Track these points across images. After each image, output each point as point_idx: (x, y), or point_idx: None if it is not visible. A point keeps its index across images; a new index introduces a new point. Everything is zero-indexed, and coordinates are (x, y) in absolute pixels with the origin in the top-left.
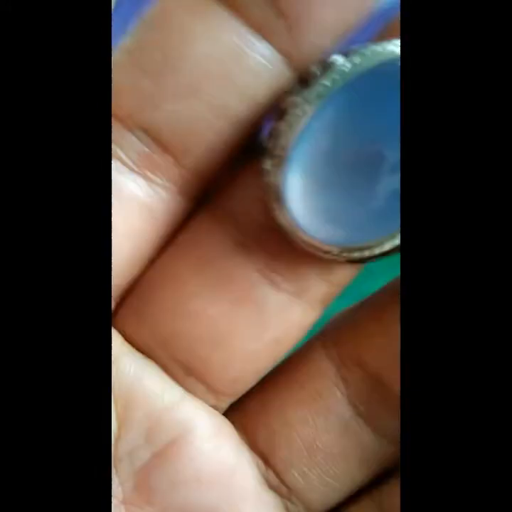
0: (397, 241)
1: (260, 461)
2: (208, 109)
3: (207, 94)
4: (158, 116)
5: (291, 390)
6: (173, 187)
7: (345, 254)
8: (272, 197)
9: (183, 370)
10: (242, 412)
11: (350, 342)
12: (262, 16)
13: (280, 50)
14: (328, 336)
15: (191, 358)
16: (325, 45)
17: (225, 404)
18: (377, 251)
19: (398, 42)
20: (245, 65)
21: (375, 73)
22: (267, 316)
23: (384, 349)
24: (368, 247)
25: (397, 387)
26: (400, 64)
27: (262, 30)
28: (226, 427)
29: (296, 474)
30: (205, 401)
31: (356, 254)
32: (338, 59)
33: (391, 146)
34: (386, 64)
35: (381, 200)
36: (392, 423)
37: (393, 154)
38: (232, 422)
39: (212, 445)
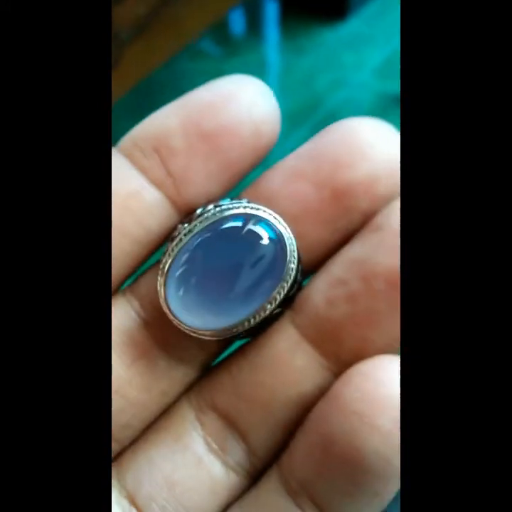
0: (242, 328)
1: (126, 502)
2: (112, 229)
3: (113, 219)
4: None
5: (156, 434)
6: None
7: (216, 336)
8: (161, 297)
9: None
10: (116, 459)
11: (207, 391)
12: (157, 173)
13: (168, 197)
14: (189, 388)
15: None
16: (203, 192)
17: (114, 451)
18: (228, 334)
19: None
20: (143, 203)
21: (222, 221)
22: (157, 373)
23: (232, 393)
24: (233, 328)
25: (242, 425)
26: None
27: (156, 184)
28: None
29: (156, 509)
30: None
31: (224, 334)
32: (210, 207)
33: (237, 266)
34: (230, 217)
35: (238, 294)
36: (239, 457)
37: (247, 263)
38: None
39: None
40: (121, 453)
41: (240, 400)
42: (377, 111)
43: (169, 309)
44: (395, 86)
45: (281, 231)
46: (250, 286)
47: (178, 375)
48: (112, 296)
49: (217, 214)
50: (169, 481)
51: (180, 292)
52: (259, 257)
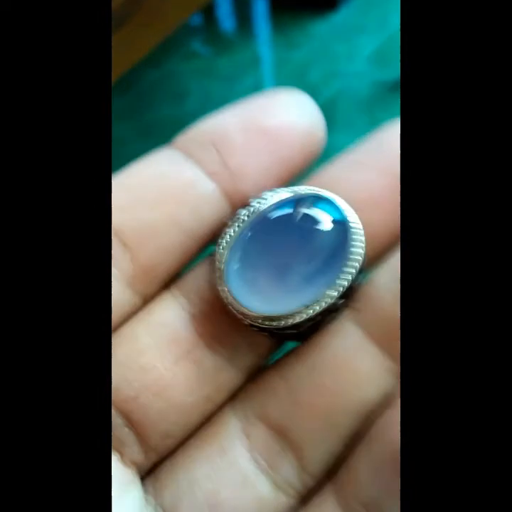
0: (304, 315)
1: None
2: (164, 220)
3: (167, 209)
4: (124, 218)
5: (198, 447)
6: (123, 279)
7: (267, 323)
8: (218, 277)
9: (124, 418)
10: (153, 472)
11: (255, 398)
12: (213, 166)
13: (223, 189)
14: (235, 395)
15: (134, 407)
16: (258, 186)
17: (150, 462)
18: (290, 322)
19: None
20: (197, 192)
21: (274, 208)
22: (203, 375)
23: (285, 402)
24: (283, 318)
25: (296, 437)
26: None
27: (212, 176)
28: (132, 485)
29: None
30: (134, 455)
31: (275, 323)
32: (266, 194)
33: (299, 248)
34: (281, 204)
35: (292, 284)
36: (290, 475)
37: (301, 253)
38: (143, 482)
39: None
40: (158, 465)
41: (295, 407)
42: (373, 99)
43: (224, 288)
44: (390, 73)
45: (346, 212)
46: (312, 273)
47: (226, 379)
48: (161, 292)
49: (271, 198)
50: (211, 501)
51: (238, 273)
52: (318, 242)
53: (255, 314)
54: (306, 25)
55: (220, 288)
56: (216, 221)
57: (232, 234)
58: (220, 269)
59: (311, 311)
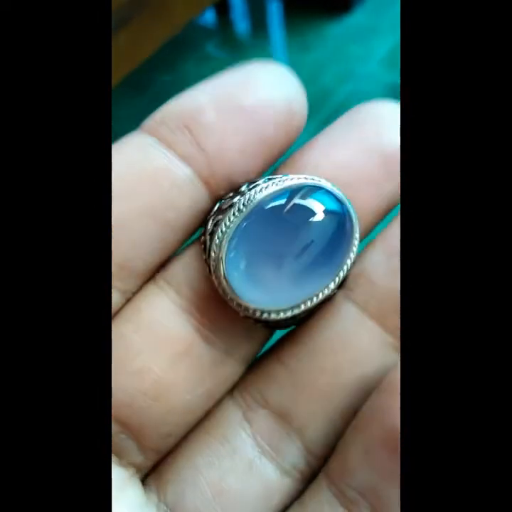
0: (303, 307)
1: None
2: (137, 212)
3: (139, 198)
4: None
5: (199, 437)
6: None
7: (265, 315)
8: (215, 268)
9: (120, 425)
10: (155, 470)
11: (254, 385)
12: (187, 149)
13: (200, 174)
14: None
15: (130, 412)
16: (236, 169)
17: (151, 462)
18: (288, 313)
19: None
20: (172, 179)
21: (271, 199)
22: (202, 371)
23: (286, 386)
24: (283, 310)
25: (298, 419)
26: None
27: (186, 160)
28: (129, 484)
29: None
30: (132, 457)
31: (273, 315)
32: (259, 181)
33: (296, 240)
34: (277, 194)
35: (292, 276)
36: (295, 458)
37: (298, 245)
38: (145, 481)
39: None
40: (160, 462)
41: (296, 390)
42: None
43: (227, 285)
44: None
45: (341, 202)
46: (310, 264)
47: (225, 372)
48: (145, 285)
49: (267, 187)
50: (217, 489)
51: (238, 270)
52: (315, 233)
53: (255, 307)
54: (319, 28)
55: (217, 280)
56: (195, 209)
57: (228, 223)
58: (217, 259)
59: (309, 303)
